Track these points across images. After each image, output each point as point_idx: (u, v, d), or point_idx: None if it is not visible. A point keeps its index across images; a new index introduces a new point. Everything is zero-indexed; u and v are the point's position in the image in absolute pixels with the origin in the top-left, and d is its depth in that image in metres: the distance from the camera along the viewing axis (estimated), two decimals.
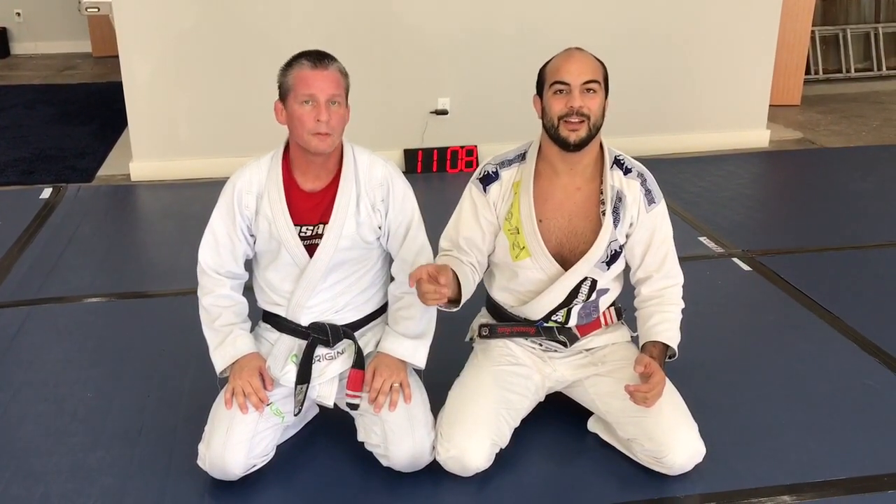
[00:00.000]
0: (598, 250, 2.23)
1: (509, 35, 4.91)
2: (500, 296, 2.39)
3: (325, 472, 2.27)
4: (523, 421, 2.31)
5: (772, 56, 5.31)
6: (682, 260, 2.38)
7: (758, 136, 5.47)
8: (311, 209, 2.19)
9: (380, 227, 2.24)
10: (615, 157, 2.27)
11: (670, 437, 2.15)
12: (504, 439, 2.22)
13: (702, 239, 3.89)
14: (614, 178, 2.25)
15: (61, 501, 2.16)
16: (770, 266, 3.58)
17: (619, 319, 2.44)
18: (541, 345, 2.37)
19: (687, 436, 2.17)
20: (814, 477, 2.25)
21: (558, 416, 2.44)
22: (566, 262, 2.25)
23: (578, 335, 2.36)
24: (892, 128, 5.98)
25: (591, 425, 2.41)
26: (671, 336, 2.25)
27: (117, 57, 4.67)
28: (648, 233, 2.28)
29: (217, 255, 2.24)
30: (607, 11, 4.98)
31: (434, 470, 2.20)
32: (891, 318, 3.13)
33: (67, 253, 3.77)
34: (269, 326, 2.33)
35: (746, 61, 5.27)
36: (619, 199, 2.24)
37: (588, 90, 2.13)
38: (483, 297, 2.47)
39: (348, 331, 2.27)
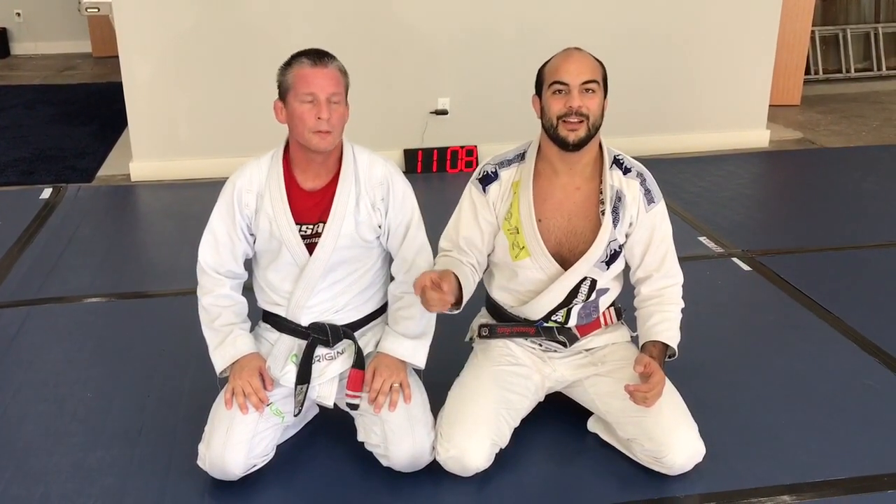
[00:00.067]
0: (598, 250, 2.23)
1: (509, 35, 4.91)
2: (500, 296, 2.39)
3: (325, 472, 2.27)
4: (523, 421, 2.31)
5: (772, 56, 5.31)
6: (682, 260, 2.38)
7: (758, 136, 5.47)
8: (311, 208, 2.19)
9: (379, 226, 2.24)
10: (614, 157, 2.28)
11: (670, 437, 2.15)
12: (504, 439, 2.22)
13: (702, 239, 3.89)
14: (613, 177, 2.25)
15: (61, 501, 2.16)
16: (770, 266, 3.58)
17: (618, 319, 2.44)
18: (540, 345, 2.37)
19: (687, 436, 2.17)
20: (814, 477, 2.25)
21: (558, 416, 2.44)
22: (566, 262, 2.25)
23: (578, 335, 2.36)
24: (892, 128, 5.98)
25: (591, 425, 2.41)
26: (671, 336, 2.25)
27: (117, 57, 4.67)
28: (648, 232, 2.28)
29: (217, 254, 2.24)
30: (607, 11, 4.98)
31: (434, 470, 2.20)
32: (891, 318, 3.13)
33: (67, 253, 3.77)
34: (269, 326, 2.33)
35: (746, 61, 5.27)
36: (619, 198, 2.24)
37: (587, 90, 2.13)
38: (483, 298, 2.47)
39: (348, 331, 2.27)
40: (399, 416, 2.17)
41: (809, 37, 6.58)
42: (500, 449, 2.21)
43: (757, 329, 3.09)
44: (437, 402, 2.28)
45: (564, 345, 2.35)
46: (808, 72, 6.89)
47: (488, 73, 4.93)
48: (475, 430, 2.16)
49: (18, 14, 8.61)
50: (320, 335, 2.24)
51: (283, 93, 2.13)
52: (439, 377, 2.34)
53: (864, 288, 3.39)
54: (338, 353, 2.26)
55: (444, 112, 5.00)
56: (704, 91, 5.28)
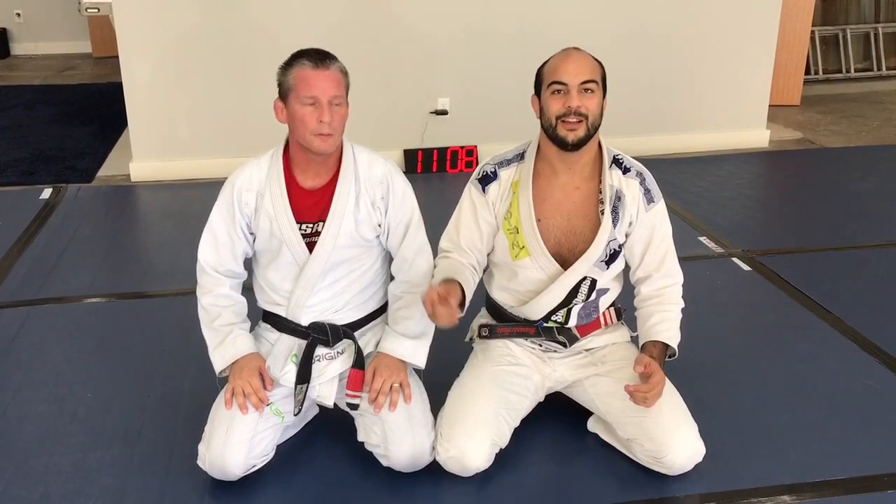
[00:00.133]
0: (597, 249, 2.23)
1: (509, 35, 4.91)
2: (500, 296, 2.39)
3: (325, 472, 2.27)
4: (523, 421, 2.31)
5: (772, 56, 5.31)
6: (682, 260, 2.38)
7: (758, 136, 5.47)
8: (311, 206, 2.19)
9: (379, 225, 2.24)
10: (614, 157, 2.28)
11: (670, 437, 2.15)
12: (504, 439, 2.22)
13: (702, 239, 3.89)
14: (613, 177, 2.25)
15: (61, 501, 2.16)
16: (770, 266, 3.58)
17: (618, 319, 2.44)
18: (540, 345, 2.37)
19: (687, 436, 2.17)
20: (814, 477, 2.25)
21: (558, 416, 2.44)
22: (565, 262, 2.25)
23: (578, 335, 2.36)
24: (892, 128, 5.97)
25: (591, 425, 2.41)
26: (671, 336, 2.25)
27: (117, 57, 4.67)
28: (648, 232, 2.28)
29: (217, 253, 2.24)
30: (607, 11, 4.98)
31: (434, 470, 2.20)
32: (891, 318, 3.13)
33: (67, 253, 3.77)
34: (268, 326, 2.33)
35: (746, 61, 5.27)
36: (618, 198, 2.24)
37: (586, 90, 2.13)
38: (483, 298, 2.47)
39: (348, 331, 2.27)
40: (399, 416, 2.17)
41: (809, 37, 6.58)
42: (500, 449, 2.21)
43: (757, 329, 3.09)
44: (437, 402, 2.28)
45: (564, 345, 2.35)
46: (808, 72, 6.89)
47: (488, 73, 4.93)
48: (475, 431, 2.16)
49: (18, 14, 8.61)
50: (320, 335, 2.24)
51: (284, 93, 2.12)
52: (439, 377, 2.34)
53: (864, 288, 3.39)
54: (338, 352, 2.26)
55: (444, 112, 5.00)
56: (704, 91, 5.28)
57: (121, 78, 4.71)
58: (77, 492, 2.19)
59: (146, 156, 4.83)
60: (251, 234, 2.24)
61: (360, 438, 2.26)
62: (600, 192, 2.24)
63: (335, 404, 2.28)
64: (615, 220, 2.24)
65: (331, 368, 2.25)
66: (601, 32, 4.80)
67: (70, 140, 5.55)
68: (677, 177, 4.75)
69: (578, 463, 2.32)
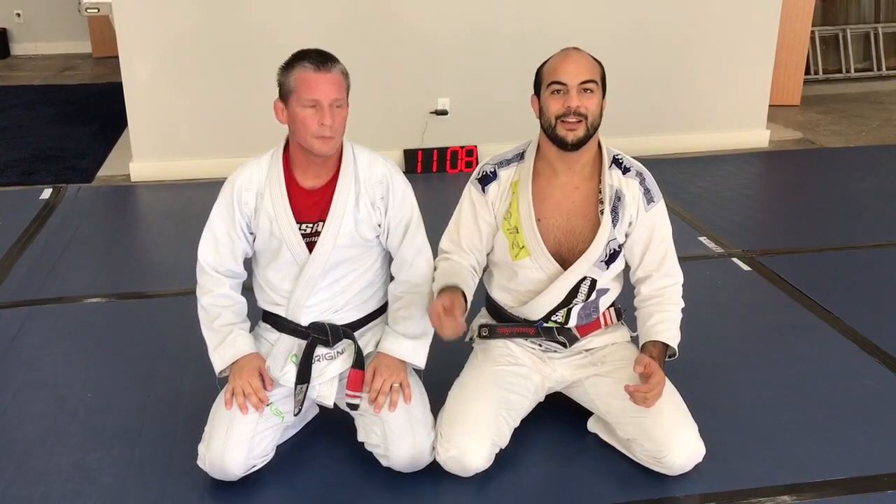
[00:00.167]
0: (597, 249, 2.23)
1: (509, 35, 4.90)
2: (500, 296, 2.39)
3: (325, 472, 2.27)
4: (523, 421, 2.31)
5: (772, 56, 5.31)
6: (682, 260, 2.38)
7: (758, 136, 5.47)
8: (311, 206, 2.19)
9: (379, 225, 2.24)
10: (613, 157, 2.28)
11: (670, 437, 2.15)
12: (504, 439, 2.22)
13: (702, 239, 3.89)
14: (613, 177, 2.25)
15: (61, 501, 2.16)
16: (770, 266, 3.58)
17: (618, 320, 2.44)
18: (540, 345, 2.37)
19: (687, 436, 2.17)
20: (814, 477, 2.25)
21: (558, 416, 2.44)
22: (565, 262, 2.25)
23: (578, 335, 2.36)
24: (892, 128, 5.97)
25: (591, 425, 2.41)
26: (671, 336, 2.25)
27: (117, 57, 4.67)
28: (648, 232, 2.28)
29: (217, 253, 2.24)
30: (607, 11, 4.98)
31: (434, 470, 2.20)
32: (891, 318, 3.13)
33: (67, 253, 3.77)
34: (268, 326, 2.33)
35: (746, 61, 5.27)
36: (618, 198, 2.24)
37: (585, 90, 2.13)
38: (483, 298, 2.47)
39: (348, 331, 2.27)
40: (399, 417, 2.17)
41: (809, 37, 6.58)
42: (500, 449, 2.21)
43: (757, 329, 3.09)
44: (437, 402, 2.28)
45: (564, 345, 2.35)
46: (808, 72, 6.89)
47: (488, 74, 4.93)
48: (475, 431, 2.16)
49: (18, 14, 8.61)
50: (320, 335, 2.24)
51: (285, 94, 2.12)
52: (439, 377, 2.34)
53: (864, 288, 3.39)
54: (338, 352, 2.26)
55: (443, 112, 5.00)
56: (704, 91, 5.28)
57: (121, 78, 4.71)
58: (77, 492, 2.19)
59: (146, 156, 4.83)
60: (251, 233, 2.24)
61: (360, 438, 2.26)
62: (600, 192, 2.24)
63: (335, 404, 2.28)
64: (615, 220, 2.24)
65: (331, 368, 2.25)
66: (601, 32, 4.80)
67: (70, 140, 5.55)
68: (677, 177, 4.75)
69: (578, 463, 2.32)
